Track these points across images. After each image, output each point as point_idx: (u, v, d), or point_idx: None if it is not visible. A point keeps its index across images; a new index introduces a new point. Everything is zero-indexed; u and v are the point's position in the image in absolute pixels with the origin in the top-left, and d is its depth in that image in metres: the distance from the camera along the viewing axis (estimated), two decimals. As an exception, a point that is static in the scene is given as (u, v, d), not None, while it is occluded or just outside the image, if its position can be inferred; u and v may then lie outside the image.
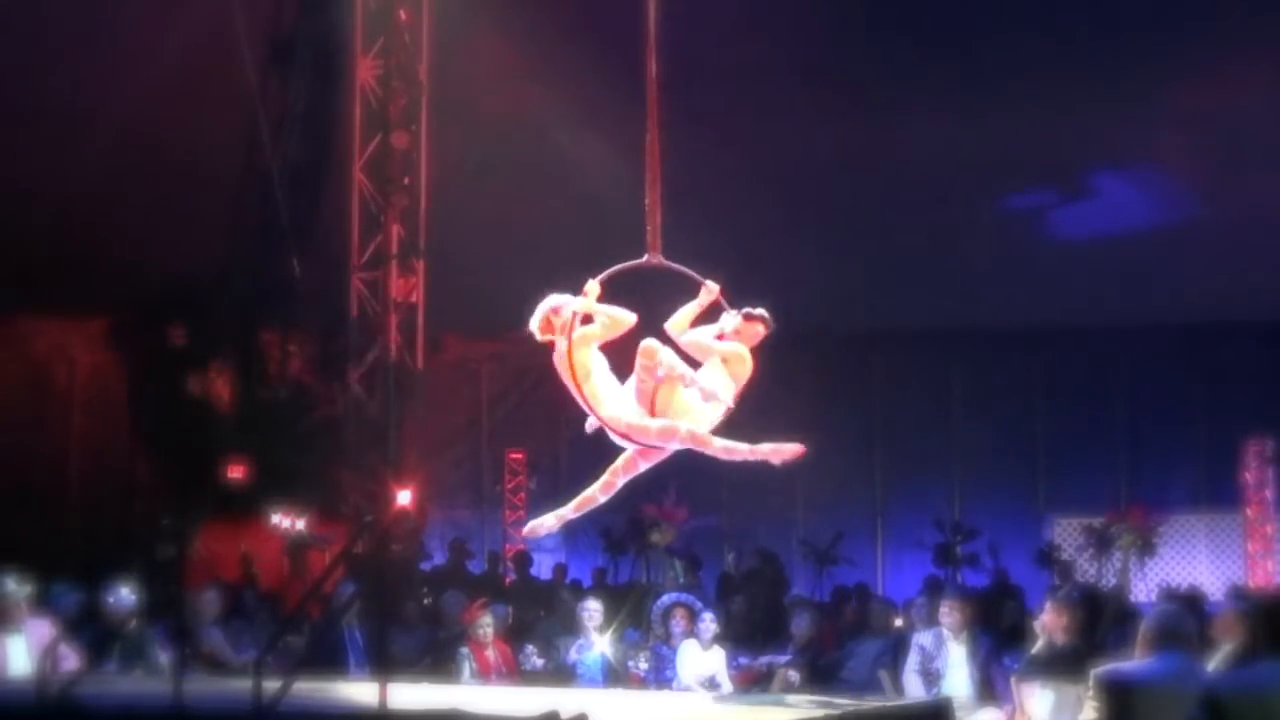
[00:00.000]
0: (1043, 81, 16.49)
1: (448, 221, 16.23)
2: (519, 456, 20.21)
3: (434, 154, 16.10)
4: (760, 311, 8.26)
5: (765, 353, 8.37)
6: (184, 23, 14.96)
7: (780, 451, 8.05)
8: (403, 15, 16.05)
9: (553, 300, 8.01)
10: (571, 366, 7.89)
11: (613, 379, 8.08)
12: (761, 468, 8.18)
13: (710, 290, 8.25)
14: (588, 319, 7.99)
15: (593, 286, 8.05)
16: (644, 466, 8.22)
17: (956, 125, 16.54)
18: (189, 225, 15.80)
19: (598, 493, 8.27)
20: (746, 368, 8.19)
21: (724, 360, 8.14)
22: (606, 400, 7.97)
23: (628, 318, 8.07)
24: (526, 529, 8.76)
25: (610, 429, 7.98)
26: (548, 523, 8.42)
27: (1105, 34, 16.36)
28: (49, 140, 15.40)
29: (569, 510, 8.37)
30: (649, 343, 8.01)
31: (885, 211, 17.71)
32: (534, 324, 8.02)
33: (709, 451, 8.03)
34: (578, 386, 7.90)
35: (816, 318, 17.63)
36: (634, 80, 8.67)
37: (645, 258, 8.28)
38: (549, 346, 8.05)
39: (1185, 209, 17.90)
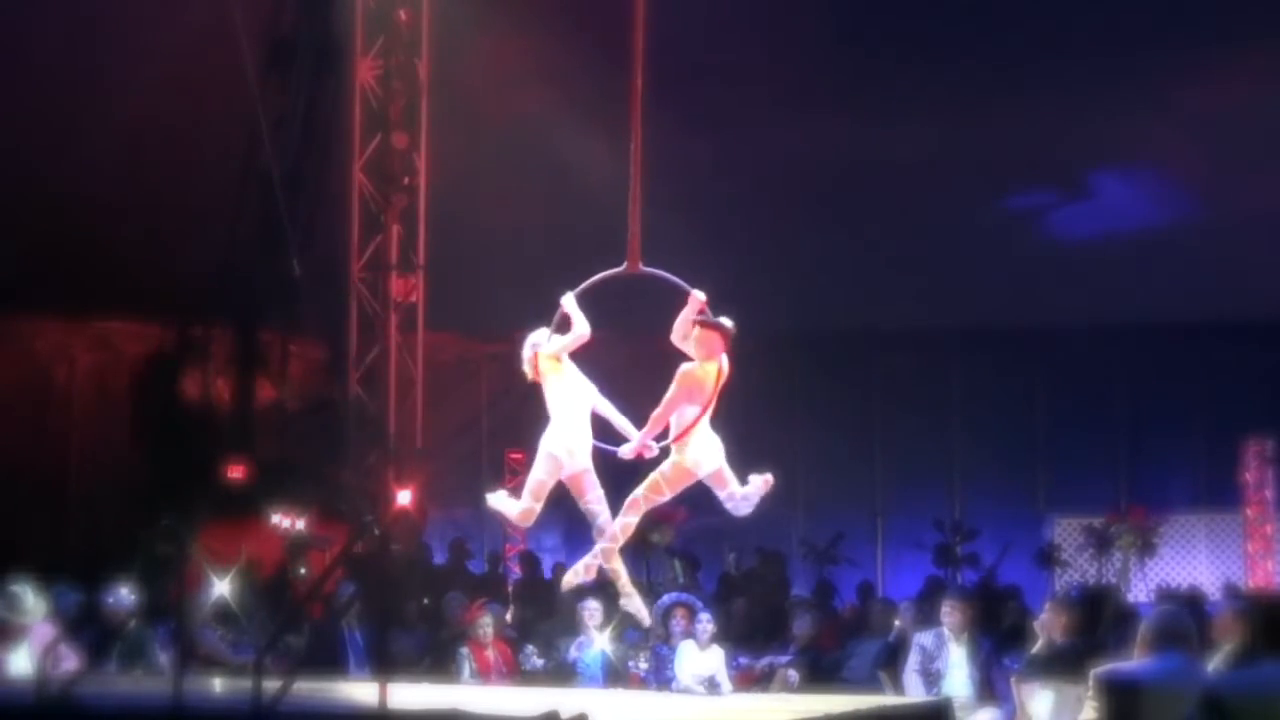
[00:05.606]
0: (1042, 81, 16.48)
1: (447, 221, 16.23)
2: (519, 457, 20.14)
3: (434, 154, 16.10)
4: (718, 321, 8.23)
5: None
6: (184, 23, 14.95)
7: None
8: (403, 15, 16.06)
9: (531, 339, 8.42)
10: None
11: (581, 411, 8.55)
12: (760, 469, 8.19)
13: (695, 299, 8.25)
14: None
15: (568, 300, 8.23)
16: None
17: (956, 125, 16.53)
18: (189, 225, 15.79)
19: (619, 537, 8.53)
20: (705, 385, 8.22)
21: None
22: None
23: (583, 331, 8.32)
24: (564, 582, 8.95)
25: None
26: (580, 574, 8.72)
27: (1105, 34, 16.35)
28: (48, 140, 15.39)
29: (596, 559, 8.59)
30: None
31: (885, 211, 17.69)
32: (526, 368, 8.52)
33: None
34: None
35: (816, 318, 17.66)
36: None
37: (624, 266, 8.31)
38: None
39: (1185, 209, 17.88)
